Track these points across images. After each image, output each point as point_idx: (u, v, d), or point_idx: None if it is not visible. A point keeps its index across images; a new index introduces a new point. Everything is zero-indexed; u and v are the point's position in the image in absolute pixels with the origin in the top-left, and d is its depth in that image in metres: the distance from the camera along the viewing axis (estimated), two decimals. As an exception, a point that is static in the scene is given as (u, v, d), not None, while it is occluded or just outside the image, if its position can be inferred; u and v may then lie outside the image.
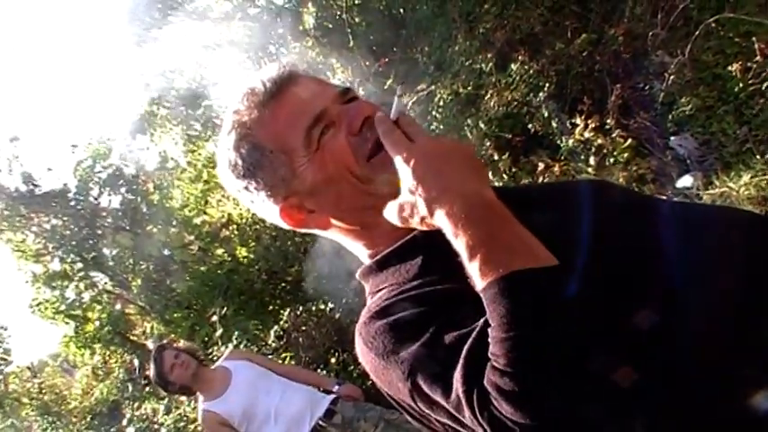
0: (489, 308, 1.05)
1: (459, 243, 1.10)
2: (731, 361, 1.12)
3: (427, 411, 1.18)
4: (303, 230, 1.46)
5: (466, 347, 1.08)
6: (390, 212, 1.23)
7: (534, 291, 1.04)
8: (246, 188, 1.38)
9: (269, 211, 1.41)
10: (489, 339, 1.04)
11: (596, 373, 1.01)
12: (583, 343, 1.02)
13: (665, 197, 4.71)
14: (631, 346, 1.08)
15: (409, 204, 1.18)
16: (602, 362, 1.02)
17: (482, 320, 1.08)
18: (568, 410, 1.01)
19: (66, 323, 10.74)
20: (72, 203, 10.46)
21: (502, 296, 1.03)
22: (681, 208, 1.66)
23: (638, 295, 1.16)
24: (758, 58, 4.99)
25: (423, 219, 1.17)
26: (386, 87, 6.78)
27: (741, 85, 5.20)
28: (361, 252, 1.44)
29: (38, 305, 10.69)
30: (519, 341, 1.01)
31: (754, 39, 5.02)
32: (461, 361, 1.08)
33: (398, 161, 1.19)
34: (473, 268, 1.08)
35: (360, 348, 1.29)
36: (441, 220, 1.12)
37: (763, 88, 5.07)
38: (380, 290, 1.33)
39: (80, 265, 10.29)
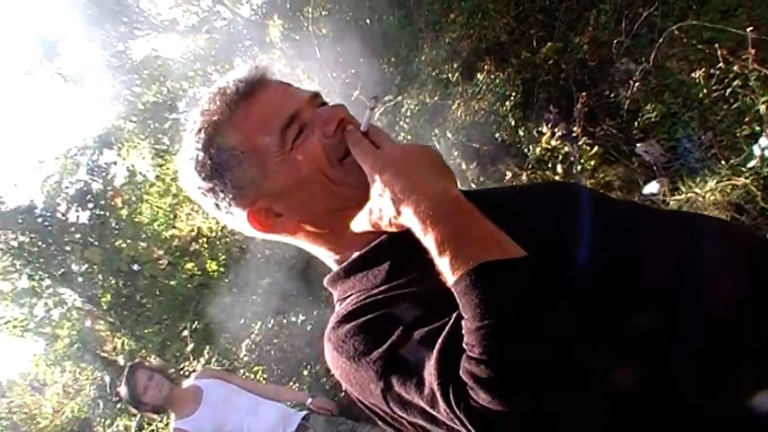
0: (462, 300, 1.05)
1: (429, 240, 1.10)
2: (731, 361, 1.13)
3: (400, 414, 1.17)
4: (270, 237, 1.43)
5: (439, 341, 1.08)
6: (360, 219, 1.25)
7: (505, 280, 1.05)
8: (212, 190, 1.35)
9: (234, 216, 1.38)
10: (463, 331, 1.04)
11: (595, 373, 1.02)
12: (566, 332, 1.02)
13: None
14: (631, 347, 1.08)
15: (378, 207, 1.19)
16: (601, 362, 1.02)
17: (454, 315, 1.08)
18: (547, 400, 1.00)
19: (36, 341, 10.61)
20: (39, 220, 10.33)
21: (474, 287, 1.04)
22: (679, 215, 1.68)
23: (638, 295, 1.16)
24: (721, 64, 5.02)
25: (391, 220, 1.18)
26: (353, 98, 6.77)
27: (705, 91, 5.23)
28: (329, 258, 1.43)
29: (6, 323, 10.54)
30: (493, 329, 1.01)
31: (716, 45, 5.05)
32: (435, 354, 1.07)
33: (366, 169, 1.21)
34: (443, 264, 1.08)
35: (330, 354, 1.27)
36: (409, 219, 1.14)
37: (727, 94, 5.10)
38: (349, 296, 1.32)
39: (48, 281, 10.17)
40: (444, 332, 1.09)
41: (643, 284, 1.18)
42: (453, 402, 1.03)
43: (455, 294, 1.06)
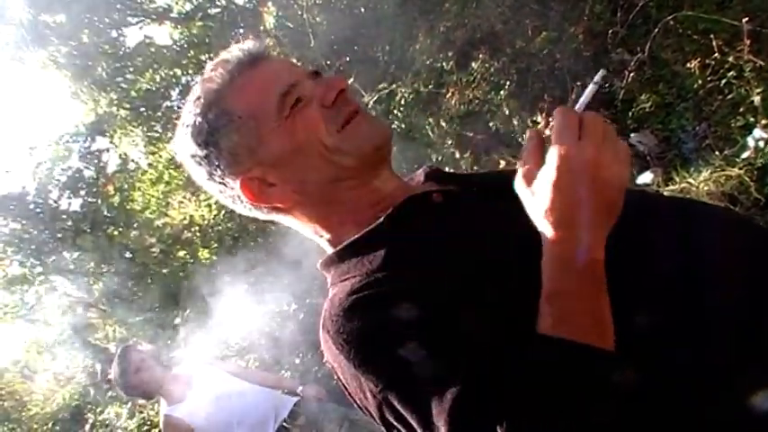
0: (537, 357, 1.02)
1: (546, 272, 1.06)
2: (733, 361, 1.12)
3: (395, 423, 1.14)
4: (261, 214, 1.41)
5: (453, 392, 1.02)
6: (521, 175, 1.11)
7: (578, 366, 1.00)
8: (207, 157, 1.34)
9: (227, 187, 1.36)
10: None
11: (596, 374, 1.00)
12: None
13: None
14: (632, 347, 1.06)
15: (535, 195, 1.08)
16: (601, 362, 1.01)
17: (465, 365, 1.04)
18: None
19: (27, 328, 10.61)
20: (31, 207, 10.30)
21: (548, 354, 1.01)
22: (680, 204, 1.64)
23: (639, 295, 1.15)
24: (716, 55, 5.03)
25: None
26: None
27: (700, 81, 5.24)
28: (321, 239, 1.41)
29: (-3, 310, 10.55)
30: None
31: (712, 36, 5.06)
32: (448, 410, 1.01)
33: (550, 157, 1.06)
34: (544, 305, 1.05)
35: (327, 347, 1.23)
36: (545, 241, 1.07)
37: (722, 85, 5.11)
38: (344, 280, 1.29)
39: (40, 268, 10.16)
40: (456, 387, 1.02)
41: (645, 282, 1.17)
42: None
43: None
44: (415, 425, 1.07)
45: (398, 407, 1.09)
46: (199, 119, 1.33)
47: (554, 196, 1.04)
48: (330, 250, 1.38)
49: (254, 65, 1.33)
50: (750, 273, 1.22)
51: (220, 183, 1.37)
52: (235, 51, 1.35)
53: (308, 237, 1.44)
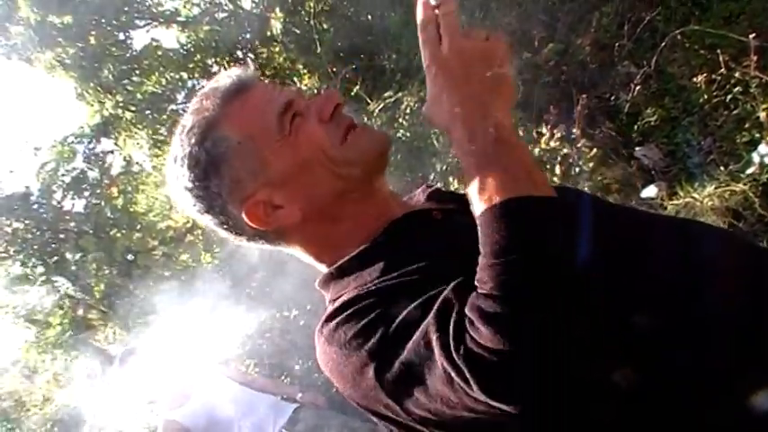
0: (483, 233, 1.03)
1: (464, 161, 1.09)
2: (732, 361, 1.12)
3: (394, 401, 1.13)
4: (264, 244, 1.40)
5: (438, 301, 1.06)
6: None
7: (532, 217, 1.02)
8: (206, 188, 1.32)
9: (229, 218, 1.34)
10: (477, 269, 1.02)
11: (596, 373, 1.01)
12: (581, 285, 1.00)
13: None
14: (631, 347, 1.07)
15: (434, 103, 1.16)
16: (601, 362, 1.02)
17: (452, 283, 1.07)
18: (550, 348, 0.97)
19: (28, 328, 10.59)
20: (34, 207, 10.30)
21: (499, 220, 1.01)
22: (678, 219, 1.67)
23: (638, 295, 1.15)
24: (722, 70, 5.04)
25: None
26: (353, 93, 6.76)
27: (706, 96, 5.25)
28: (322, 264, 1.39)
29: (-2, 309, 10.54)
30: (509, 266, 0.99)
31: (718, 51, 5.07)
32: (433, 311, 1.05)
33: (424, 62, 1.16)
34: (472, 190, 1.06)
35: (320, 348, 1.24)
36: (452, 136, 1.12)
37: (728, 100, 5.11)
38: (341, 295, 1.28)
39: (42, 269, 10.15)
40: (443, 294, 1.07)
41: (644, 286, 1.17)
42: (453, 348, 1.00)
43: (478, 227, 1.04)
44: (413, 372, 1.08)
45: (395, 366, 1.10)
46: (195, 148, 1.30)
47: (442, 98, 1.13)
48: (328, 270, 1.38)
49: (245, 90, 1.32)
50: (751, 279, 1.23)
51: (221, 214, 1.35)
52: (224, 79, 1.34)
53: (309, 263, 1.42)
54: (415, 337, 1.06)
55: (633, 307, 1.12)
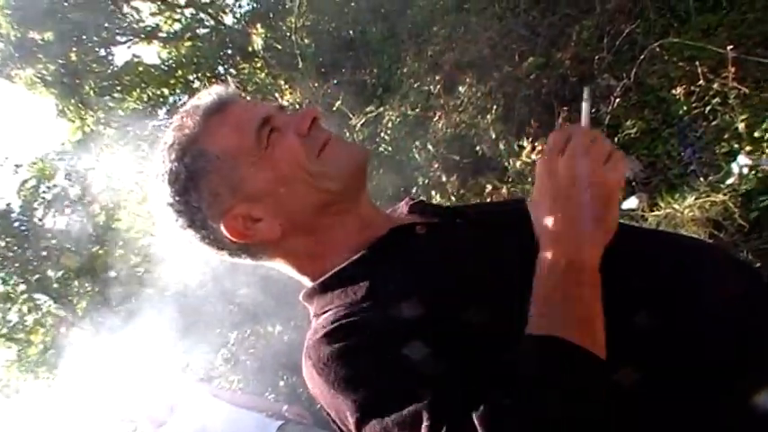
0: (520, 357, 1.03)
1: (539, 278, 1.10)
2: (732, 361, 1.13)
3: None
4: (246, 259, 1.39)
5: (432, 390, 1.04)
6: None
7: (576, 374, 1.01)
8: (186, 203, 1.31)
9: (209, 232, 1.33)
10: (504, 363, 1.02)
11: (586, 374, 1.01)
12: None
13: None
14: (632, 347, 1.08)
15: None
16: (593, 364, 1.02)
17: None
18: None
19: (9, 347, 10.53)
20: (15, 224, 10.26)
21: (544, 354, 1.02)
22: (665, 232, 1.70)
23: (638, 295, 1.16)
24: (701, 81, 5.06)
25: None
26: (334, 108, 6.77)
27: (685, 108, 5.28)
28: (305, 277, 1.39)
29: (-21, 328, 10.48)
30: (532, 400, 0.98)
31: (697, 63, 5.09)
32: (430, 399, 1.02)
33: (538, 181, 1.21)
34: (534, 309, 1.07)
35: (309, 373, 1.22)
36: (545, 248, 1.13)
37: (707, 111, 5.14)
38: (326, 311, 1.27)
39: (23, 287, 10.10)
40: (441, 368, 1.06)
41: (642, 287, 1.18)
42: None
43: (528, 327, 1.05)
44: None
45: (376, 425, 1.08)
46: (175, 164, 1.31)
47: (544, 208, 1.16)
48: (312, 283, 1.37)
49: (224, 107, 1.33)
50: (746, 286, 1.25)
51: (202, 228, 1.34)
52: (205, 97, 1.34)
53: (292, 276, 1.42)
54: (404, 413, 1.04)
55: (631, 307, 1.13)
